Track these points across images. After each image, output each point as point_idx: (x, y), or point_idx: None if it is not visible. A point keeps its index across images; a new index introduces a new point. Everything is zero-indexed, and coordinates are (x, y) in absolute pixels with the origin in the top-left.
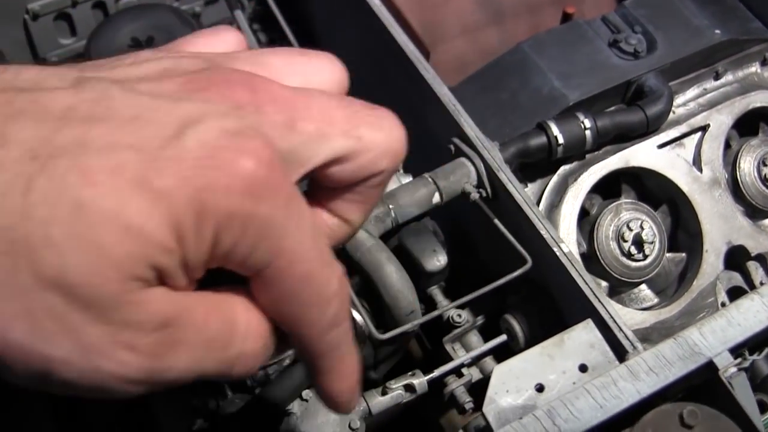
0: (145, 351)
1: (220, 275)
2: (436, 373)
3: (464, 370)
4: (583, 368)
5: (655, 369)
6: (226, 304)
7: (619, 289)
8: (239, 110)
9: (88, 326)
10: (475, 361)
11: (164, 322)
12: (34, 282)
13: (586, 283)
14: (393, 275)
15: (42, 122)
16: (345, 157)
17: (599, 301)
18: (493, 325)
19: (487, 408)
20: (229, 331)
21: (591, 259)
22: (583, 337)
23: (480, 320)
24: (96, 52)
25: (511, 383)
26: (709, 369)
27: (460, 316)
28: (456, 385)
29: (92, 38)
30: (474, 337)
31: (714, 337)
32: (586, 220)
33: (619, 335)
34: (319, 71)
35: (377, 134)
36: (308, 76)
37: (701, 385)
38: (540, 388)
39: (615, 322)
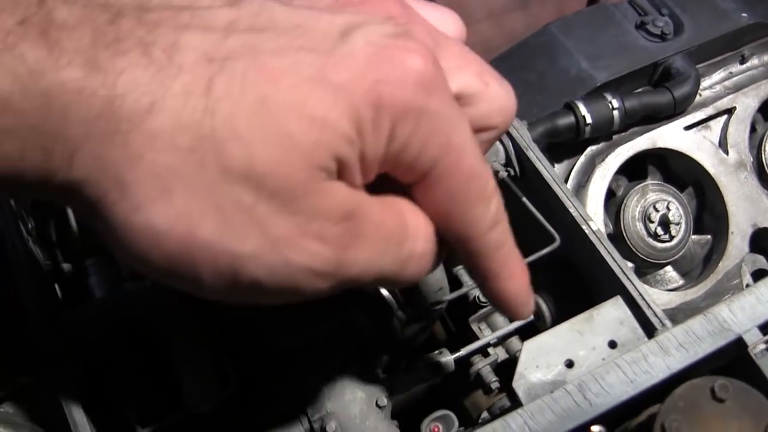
0: (333, 241)
1: (383, 187)
2: (463, 351)
3: (490, 350)
4: (612, 344)
5: (685, 345)
6: (397, 205)
7: (644, 270)
8: (394, 20)
9: (277, 218)
10: (501, 341)
11: (348, 214)
12: (221, 176)
13: (615, 261)
14: None
15: (209, 32)
16: (471, 96)
17: (628, 278)
18: None
19: (517, 383)
20: (403, 230)
21: (617, 240)
22: (612, 313)
23: None
24: None
25: (540, 359)
26: (738, 346)
27: None
28: (482, 365)
29: None
30: (500, 317)
31: (743, 314)
32: (613, 201)
33: (648, 312)
34: (448, 22)
35: (501, 89)
36: (440, 23)
37: (729, 363)
38: (569, 364)
39: (644, 299)
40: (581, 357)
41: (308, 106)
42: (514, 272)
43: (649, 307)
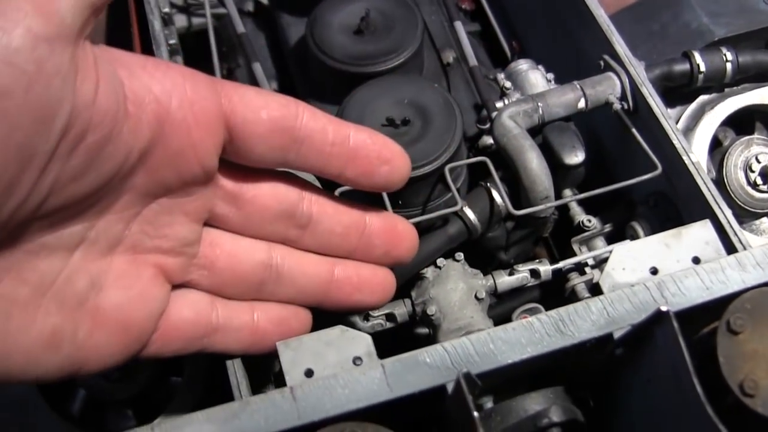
0: None
1: None
2: (561, 264)
3: (587, 270)
4: (696, 260)
5: (762, 264)
6: None
7: (741, 219)
8: None
9: None
10: (598, 264)
11: None
12: None
13: (709, 190)
14: (534, 161)
15: None
16: None
17: (719, 207)
18: (620, 236)
19: (603, 279)
20: None
21: (718, 186)
22: (699, 233)
23: (608, 228)
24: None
25: (627, 263)
26: None
27: (590, 221)
28: (577, 281)
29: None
30: (600, 242)
31: None
32: (718, 150)
33: (734, 239)
34: None
35: None
36: None
37: None
38: (654, 271)
39: (731, 227)
40: (665, 267)
41: None
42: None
43: (736, 234)
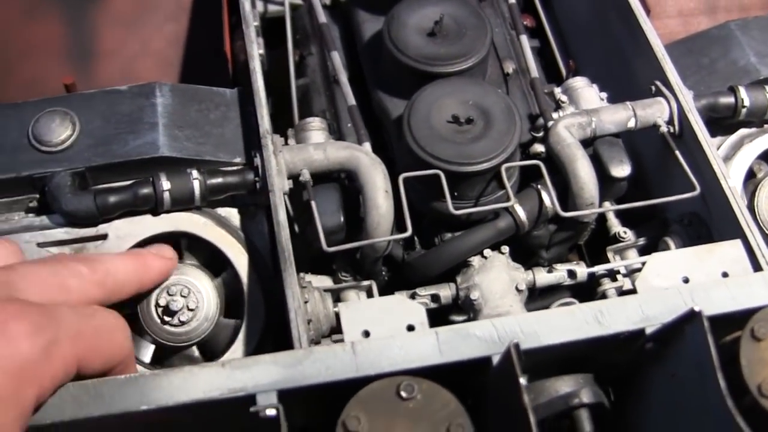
0: None
1: None
2: (596, 268)
3: (619, 277)
4: (724, 275)
5: None
6: None
7: None
8: None
9: None
10: (629, 273)
11: None
12: None
13: (742, 214)
14: (585, 169)
15: None
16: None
17: (750, 229)
18: (652, 249)
19: (639, 283)
20: None
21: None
22: (730, 251)
23: (642, 241)
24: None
25: (663, 270)
26: None
27: (626, 232)
28: (609, 287)
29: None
30: (633, 254)
31: None
32: (752, 181)
33: (762, 260)
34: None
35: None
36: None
37: None
38: (686, 280)
39: (760, 248)
40: (696, 277)
41: None
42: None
43: (764, 256)
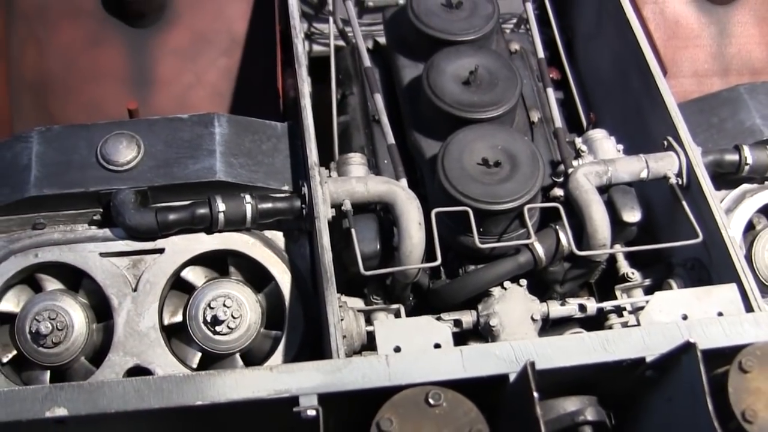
0: None
1: None
2: (605, 304)
3: (625, 314)
4: (719, 314)
5: None
6: None
7: (763, 293)
8: None
9: None
10: (635, 310)
11: None
12: None
13: (740, 261)
14: (599, 212)
15: None
16: None
17: (745, 275)
18: (656, 290)
19: (643, 317)
20: None
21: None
22: (726, 294)
23: (647, 281)
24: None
25: (665, 307)
26: None
27: (633, 273)
28: (615, 322)
29: None
30: (638, 293)
31: None
32: (751, 232)
33: (754, 303)
34: None
35: None
36: None
37: None
38: (684, 317)
39: (753, 293)
40: (694, 315)
41: None
42: None
43: (756, 299)
